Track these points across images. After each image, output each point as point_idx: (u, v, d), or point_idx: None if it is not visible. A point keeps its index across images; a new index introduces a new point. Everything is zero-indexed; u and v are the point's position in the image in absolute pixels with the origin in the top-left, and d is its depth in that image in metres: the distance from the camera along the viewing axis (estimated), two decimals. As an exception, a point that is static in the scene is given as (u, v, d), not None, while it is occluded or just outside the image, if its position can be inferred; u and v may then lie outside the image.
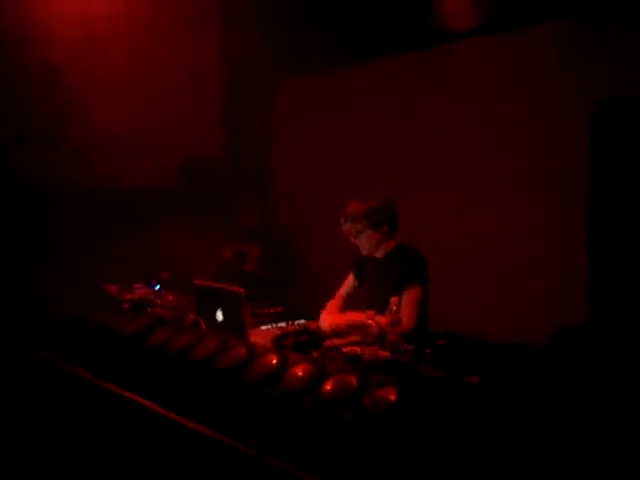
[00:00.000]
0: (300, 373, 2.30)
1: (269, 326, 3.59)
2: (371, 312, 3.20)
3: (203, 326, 3.28)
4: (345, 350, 2.92)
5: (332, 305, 3.71)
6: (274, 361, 2.42)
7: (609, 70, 4.31)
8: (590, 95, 4.15)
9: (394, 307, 3.07)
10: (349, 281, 3.80)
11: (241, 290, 3.18)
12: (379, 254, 3.60)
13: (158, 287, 4.43)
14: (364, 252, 3.60)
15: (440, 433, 2.03)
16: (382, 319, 3.12)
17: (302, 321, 3.65)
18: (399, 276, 3.42)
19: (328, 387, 2.19)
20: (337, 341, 3.11)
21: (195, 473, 2.47)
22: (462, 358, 2.75)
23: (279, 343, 3.03)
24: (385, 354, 2.78)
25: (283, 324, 3.60)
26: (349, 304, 3.74)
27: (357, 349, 2.88)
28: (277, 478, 2.15)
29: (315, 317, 3.65)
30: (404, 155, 5.67)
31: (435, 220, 5.26)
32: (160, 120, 5.58)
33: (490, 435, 2.12)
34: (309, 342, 3.06)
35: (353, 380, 2.19)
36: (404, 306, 3.27)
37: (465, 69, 5.33)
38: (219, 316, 3.35)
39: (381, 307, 3.16)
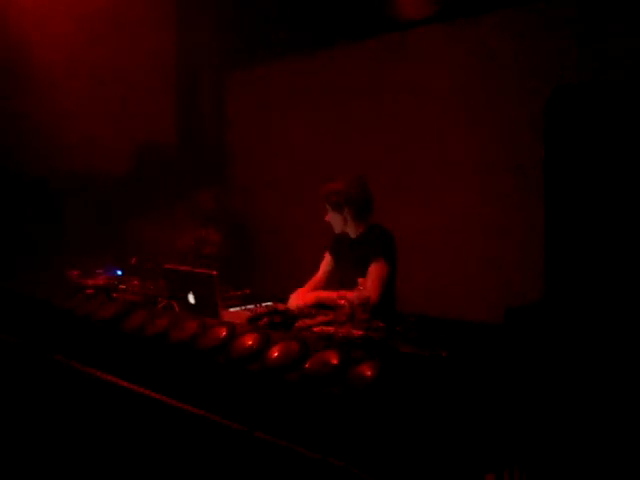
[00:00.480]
0: (283, 350, 2.40)
1: (238, 308, 3.68)
2: (342, 291, 3.32)
3: (177, 309, 3.34)
4: (317, 330, 3.04)
5: (308, 285, 3.82)
6: (256, 339, 2.51)
7: (564, 57, 4.49)
8: (546, 82, 4.32)
9: (361, 287, 3.20)
10: (326, 260, 3.90)
11: (214, 272, 3.26)
12: (352, 234, 3.72)
13: (121, 272, 4.47)
14: (335, 231, 3.74)
15: (416, 402, 2.18)
16: (350, 294, 3.25)
17: (269, 303, 3.75)
18: (368, 254, 3.55)
19: (311, 363, 2.30)
20: (308, 321, 3.22)
21: (181, 451, 2.56)
22: (430, 335, 2.90)
23: (253, 324, 3.12)
24: (357, 332, 2.90)
25: (252, 306, 3.69)
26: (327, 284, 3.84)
27: (329, 328, 3.00)
28: (265, 451, 2.26)
29: (281, 298, 3.76)
30: (358, 142, 5.77)
31: (390, 206, 5.40)
32: (114, 107, 5.59)
33: (459, 403, 2.29)
34: (282, 322, 3.15)
35: (335, 356, 2.30)
36: (368, 278, 3.40)
37: (420, 56, 5.43)
38: (191, 299, 3.43)
39: (353, 286, 3.29)
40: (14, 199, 5.08)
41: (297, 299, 3.62)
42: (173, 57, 6.41)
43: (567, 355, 2.90)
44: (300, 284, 3.87)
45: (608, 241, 4.03)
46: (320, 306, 3.54)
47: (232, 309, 3.63)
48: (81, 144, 5.36)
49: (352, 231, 3.71)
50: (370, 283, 3.41)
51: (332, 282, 3.84)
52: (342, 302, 3.22)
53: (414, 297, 4.13)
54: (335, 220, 3.69)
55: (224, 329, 2.66)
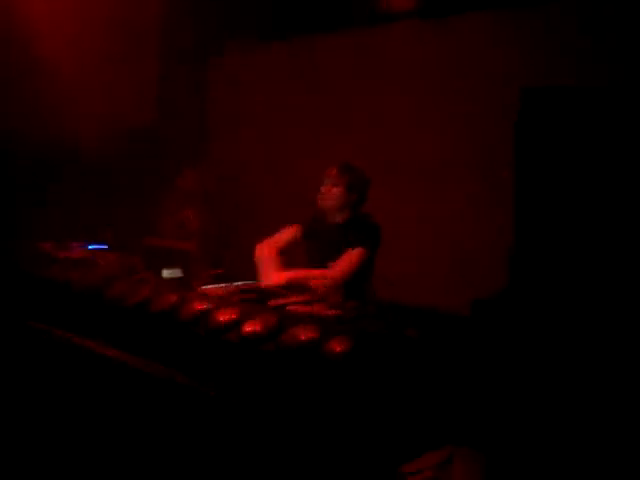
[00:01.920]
0: (260, 322, 2.53)
1: (211, 286, 3.80)
2: (318, 271, 3.45)
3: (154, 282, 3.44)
4: (290, 309, 3.17)
5: (268, 244, 3.89)
6: (235, 312, 2.64)
7: (537, 59, 4.69)
8: (517, 83, 4.50)
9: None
10: (293, 232, 3.95)
11: (191, 247, 3.39)
12: (339, 218, 3.82)
13: (98, 247, 4.52)
14: (326, 205, 3.80)
15: (386, 376, 2.34)
16: (325, 273, 3.40)
17: (243, 282, 3.87)
18: (355, 240, 3.65)
19: (286, 336, 2.44)
20: (281, 300, 3.35)
21: (156, 413, 2.68)
22: (401, 319, 3.05)
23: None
24: (331, 312, 3.04)
25: (225, 284, 3.81)
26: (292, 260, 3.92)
27: (303, 307, 3.13)
28: (238, 416, 2.40)
29: (253, 279, 3.86)
30: (333, 131, 5.92)
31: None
32: (96, 88, 5.66)
33: (427, 380, 2.45)
34: (255, 300, 3.28)
35: (309, 331, 2.45)
36: (342, 258, 3.55)
37: (396, 52, 5.60)
38: (168, 273, 3.55)
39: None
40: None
41: (268, 278, 3.71)
42: (156, 39, 6.45)
43: (529, 344, 3.05)
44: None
45: (573, 238, 4.24)
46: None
47: (205, 287, 3.75)
48: (65, 123, 5.42)
49: (340, 215, 3.81)
50: (341, 262, 3.56)
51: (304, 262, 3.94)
52: (314, 283, 3.37)
53: (388, 286, 4.30)
54: (338, 198, 3.76)
55: (203, 302, 2.77)
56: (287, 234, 3.94)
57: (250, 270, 4.07)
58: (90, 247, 4.49)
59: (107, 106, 5.65)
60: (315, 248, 3.90)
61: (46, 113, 5.34)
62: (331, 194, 3.76)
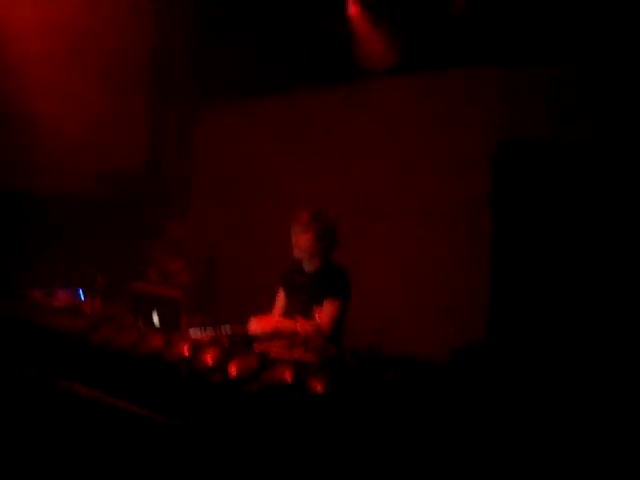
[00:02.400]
0: (244, 363, 2.63)
1: (197, 331, 3.88)
2: (300, 319, 3.56)
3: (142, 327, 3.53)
4: (273, 354, 3.27)
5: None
6: (218, 353, 2.75)
7: (514, 114, 4.89)
8: (495, 136, 4.70)
9: (317, 316, 3.46)
10: (280, 298, 4.05)
11: (179, 294, 3.49)
12: (310, 267, 3.89)
13: (84, 294, 4.60)
14: (298, 255, 3.86)
15: (364, 415, 2.44)
16: (307, 325, 3.50)
17: (227, 326, 3.96)
18: (326, 290, 3.72)
19: (269, 376, 2.55)
20: (266, 345, 3.44)
21: (142, 453, 2.76)
22: (378, 363, 3.16)
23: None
24: (310, 357, 3.14)
25: (212, 329, 3.90)
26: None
27: (285, 352, 3.23)
28: (233, 453, 2.49)
29: (239, 323, 3.96)
30: (317, 184, 6.07)
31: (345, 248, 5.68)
32: (85, 135, 5.80)
33: (403, 420, 2.56)
34: (241, 344, 3.37)
35: (291, 370, 2.56)
36: (323, 313, 3.63)
37: (378, 106, 5.82)
38: (155, 320, 3.63)
39: (306, 316, 3.54)
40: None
41: (256, 325, 3.80)
42: (147, 88, 6.62)
43: (505, 392, 3.13)
44: (259, 310, 4.07)
45: (548, 290, 4.39)
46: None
47: (192, 330, 3.82)
48: (51, 169, 5.54)
49: (311, 263, 3.88)
50: (324, 317, 3.63)
51: (285, 313, 4.03)
52: (298, 328, 3.48)
53: (364, 332, 4.40)
54: (307, 245, 3.80)
55: (188, 344, 2.88)
56: (278, 306, 4.04)
57: (237, 315, 4.17)
58: (78, 294, 4.57)
59: (95, 154, 5.78)
60: (291, 298, 3.97)
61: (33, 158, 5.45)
62: (300, 242, 3.82)
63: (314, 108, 6.22)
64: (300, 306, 3.82)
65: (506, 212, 4.44)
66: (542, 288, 4.42)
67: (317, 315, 3.50)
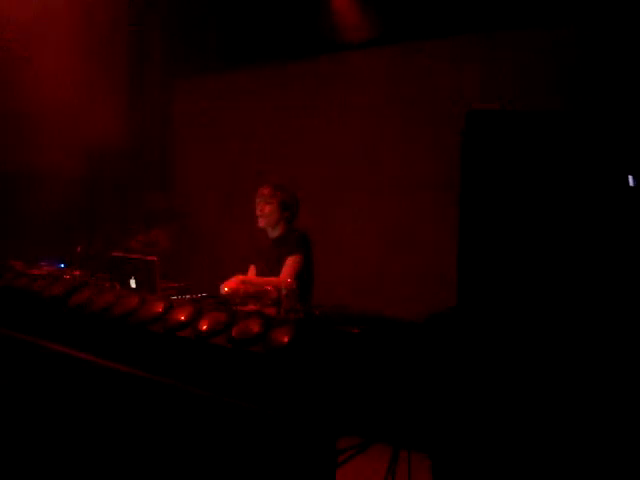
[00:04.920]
0: (214, 318, 2.76)
1: (175, 297, 4.00)
2: (269, 278, 3.72)
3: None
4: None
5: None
6: (190, 310, 2.87)
7: (485, 84, 4.99)
8: (465, 106, 4.79)
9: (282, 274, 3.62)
10: (251, 272, 4.28)
11: (154, 258, 3.61)
12: (274, 233, 4.20)
13: (64, 265, 4.71)
14: (262, 224, 4.18)
15: (328, 365, 2.57)
16: (275, 281, 3.70)
17: (204, 294, 4.09)
18: (287, 251, 4.04)
19: (237, 329, 2.67)
20: (239, 307, 3.58)
21: (116, 405, 2.89)
22: (346, 318, 3.28)
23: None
24: (280, 313, 3.27)
25: (188, 296, 4.02)
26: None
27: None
28: (199, 404, 2.61)
29: (215, 292, 4.09)
30: (289, 155, 6.21)
31: (316, 219, 5.78)
32: (65, 110, 5.86)
33: (366, 370, 2.69)
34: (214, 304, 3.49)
35: (257, 323, 2.68)
36: (285, 267, 3.93)
37: (355, 77, 5.91)
38: (132, 284, 3.76)
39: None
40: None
41: (227, 285, 3.96)
42: (124, 63, 6.69)
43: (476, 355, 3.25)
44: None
45: (516, 257, 4.50)
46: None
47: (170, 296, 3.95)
48: (34, 144, 5.62)
49: (275, 231, 4.21)
50: (287, 272, 3.91)
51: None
52: (269, 287, 3.62)
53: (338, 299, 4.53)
54: (272, 216, 4.16)
55: (162, 303, 3.00)
56: (251, 275, 4.26)
57: (213, 283, 4.29)
58: (58, 265, 4.68)
59: (76, 127, 5.85)
60: (260, 265, 4.25)
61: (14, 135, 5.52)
62: (265, 211, 4.15)
63: (289, 79, 6.31)
64: (267, 269, 4.11)
65: (474, 178, 4.53)
66: (511, 259, 4.54)
67: (282, 272, 3.72)
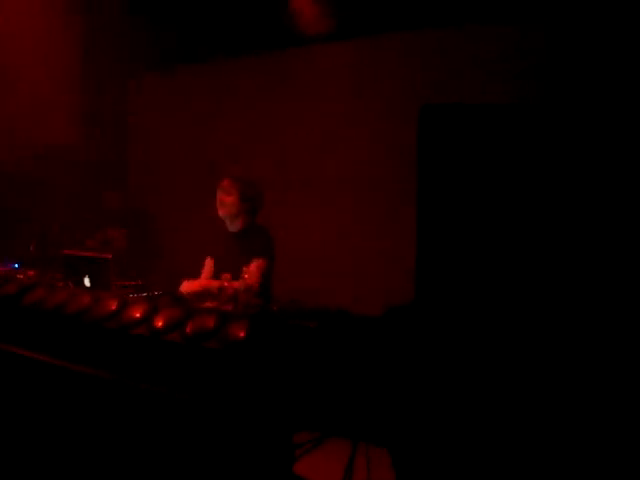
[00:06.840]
0: (169, 314, 2.73)
1: (131, 295, 3.96)
2: (227, 275, 3.69)
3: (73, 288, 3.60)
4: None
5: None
6: (144, 307, 2.84)
7: (443, 78, 5.04)
8: (422, 100, 4.83)
9: (246, 275, 3.59)
10: (208, 266, 4.25)
11: (108, 256, 3.57)
12: (235, 227, 4.14)
13: (18, 266, 4.64)
14: (222, 213, 4.12)
15: (284, 359, 2.57)
16: (236, 284, 3.63)
17: (161, 292, 4.06)
18: (250, 249, 3.98)
19: (193, 324, 2.65)
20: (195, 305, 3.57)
21: (73, 404, 2.84)
22: (302, 313, 3.29)
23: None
24: (237, 309, 3.28)
25: (144, 294, 3.99)
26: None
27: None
28: (154, 401, 2.59)
29: (172, 290, 4.07)
30: (247, 150, 6.20)
31: (278, 208, 5.78)
32: (19, 107, 5.77)
33: (323, 364, 2.69)
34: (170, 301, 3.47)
35: (212, 319, 2.66)
36: (251, 271, 3.82)
37: (311, 72, 5.93)
38: (86, 282, 3.71)
39: (234, 274, 3.67)
40: None
41: (186, 286, 3.94)
42: (77, 61, 6.60)
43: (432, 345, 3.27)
44: (193, 275, 4.19)
45: (474, 250, 4.55)
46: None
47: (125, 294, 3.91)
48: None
49: (236, 224, 4.15)
50: (253, 276, 3.82)
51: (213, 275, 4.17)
52: (226, 284, 3.61)
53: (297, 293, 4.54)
54: (232, 207, 4.09)
55: (116, 300, 2.96)
56: (206, 275, 4.23)
57: (170, 281, 4.27)
58: (11, 266, 4.61)
59: (29, 127, 5.76)
60: (218, 258, 4.22)
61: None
62: (225, 202, 4.10)
63: (246, 75, 6.30)
64: (226, 264, 4.04)
65: (431, 173, 4.56)
66: (468, 253, 4.58)
67: (246, 275, 3.63)
